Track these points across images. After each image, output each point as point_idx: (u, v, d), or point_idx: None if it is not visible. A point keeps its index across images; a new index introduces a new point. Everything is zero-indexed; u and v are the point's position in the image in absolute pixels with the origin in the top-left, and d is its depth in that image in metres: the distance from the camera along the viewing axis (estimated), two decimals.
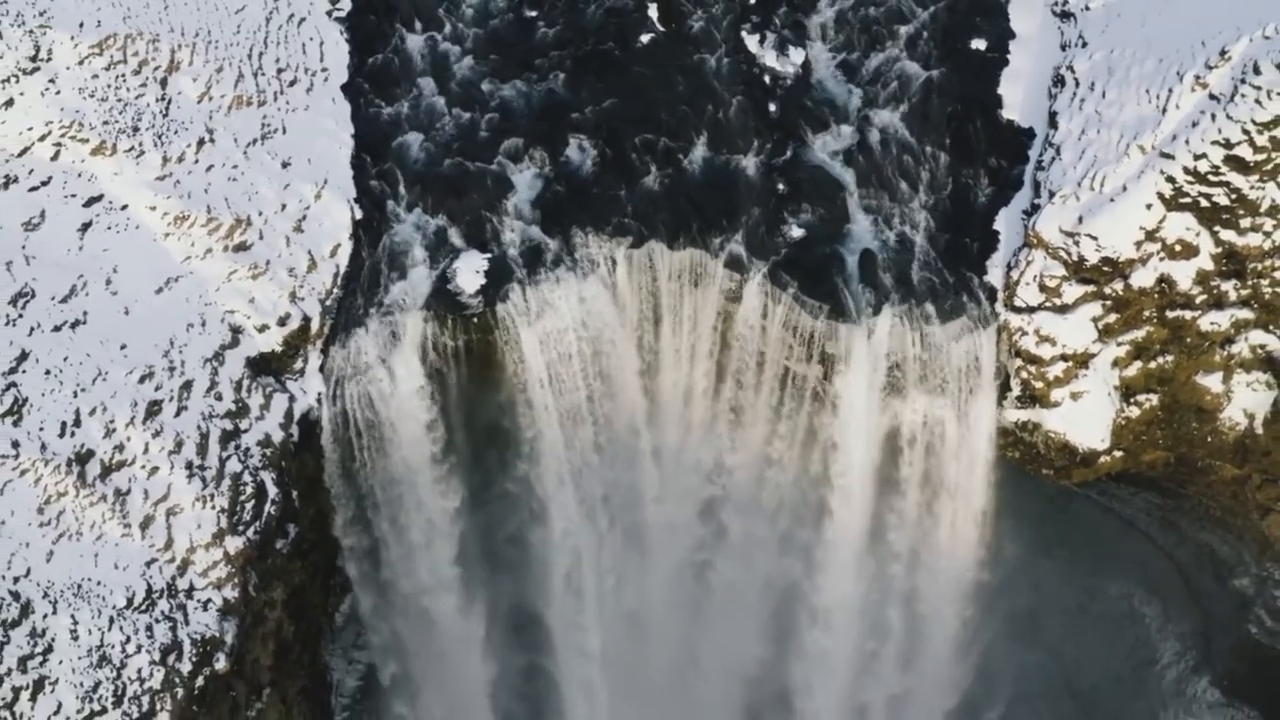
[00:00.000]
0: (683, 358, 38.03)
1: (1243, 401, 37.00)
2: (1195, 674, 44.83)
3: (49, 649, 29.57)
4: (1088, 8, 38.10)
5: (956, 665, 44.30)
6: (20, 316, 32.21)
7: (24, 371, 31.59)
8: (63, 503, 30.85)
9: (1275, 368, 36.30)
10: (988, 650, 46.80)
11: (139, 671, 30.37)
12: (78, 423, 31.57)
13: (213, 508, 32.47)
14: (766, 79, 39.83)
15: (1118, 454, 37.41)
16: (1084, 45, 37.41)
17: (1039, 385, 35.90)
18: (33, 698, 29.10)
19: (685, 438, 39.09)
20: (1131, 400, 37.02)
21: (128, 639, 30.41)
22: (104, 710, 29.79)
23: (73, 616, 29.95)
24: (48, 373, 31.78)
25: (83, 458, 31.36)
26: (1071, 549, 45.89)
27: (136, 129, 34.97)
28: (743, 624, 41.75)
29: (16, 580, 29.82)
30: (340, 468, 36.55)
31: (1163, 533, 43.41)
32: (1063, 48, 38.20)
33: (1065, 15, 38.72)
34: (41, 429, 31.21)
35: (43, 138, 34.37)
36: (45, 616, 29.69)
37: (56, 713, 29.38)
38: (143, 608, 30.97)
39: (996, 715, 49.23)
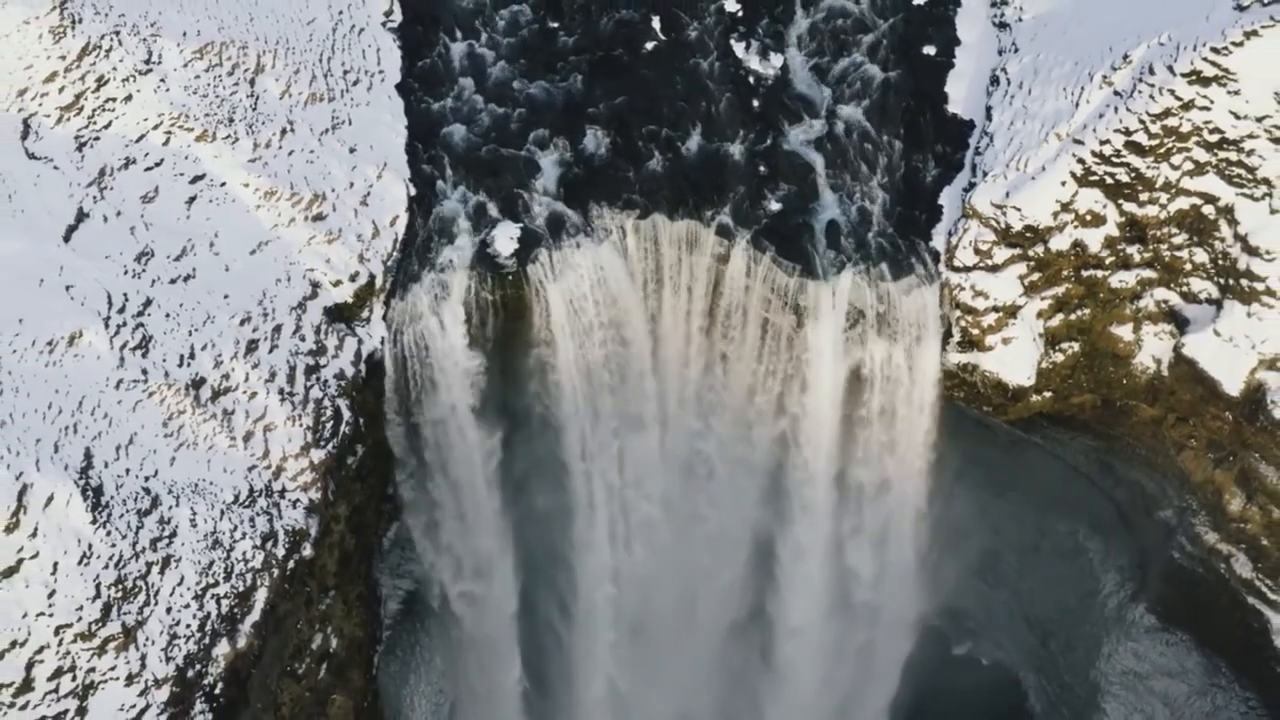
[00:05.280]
0: (681, 309, 40.44)
1: (1151, 349, 39.62)
2: (1133, 601, 45.96)
3: (174, 533, 32.44)
4: (1020, 19, 40.93)
5: (922, 583, 46.29)
6: (144, 271, 34.74)
7: (149, 315, 34.04)
8: (182, 419, 33.61)
9: (1177, 319, 39.09)
10: (954, 589, 49.04)
11: (244, 554, 33.60)
12: (192, 356, 34.25)
13: (300, 426, 35.51)
14: (751, 79, 42.26)
15: (1047, 394, 40.13)
16: (1016, 50, 40.19)
17: (975, 332, 38.74)
18: (161, 571, 32.09)
19: (683, 374, 41.41)
20: (1056, 347, 39.65)
21: (235, 528, 33.56)
22: (217, 583, 32.96)
23: (192, 509, 32.94)
24: (167, 316, 34.30)
25: (197, 384, 34.08)
26: (1024, 492, 47.82)
27: (231, 120, 37.32)
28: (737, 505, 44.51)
29: (147, 479, 32.56)
30: (397, 398, 39.08)
31: (1101, 474, 45.05)
32: (999, 53, 40.90)
33: (1002, 25, 41.54)
34: (164, 360, 33.71)
35: (156, 126, 36.45)
36: (170, 508, 32.56)
37: (180, 583, 32.35)
38: (246, 503, 34.03)
39: (965, 649, 52.90)
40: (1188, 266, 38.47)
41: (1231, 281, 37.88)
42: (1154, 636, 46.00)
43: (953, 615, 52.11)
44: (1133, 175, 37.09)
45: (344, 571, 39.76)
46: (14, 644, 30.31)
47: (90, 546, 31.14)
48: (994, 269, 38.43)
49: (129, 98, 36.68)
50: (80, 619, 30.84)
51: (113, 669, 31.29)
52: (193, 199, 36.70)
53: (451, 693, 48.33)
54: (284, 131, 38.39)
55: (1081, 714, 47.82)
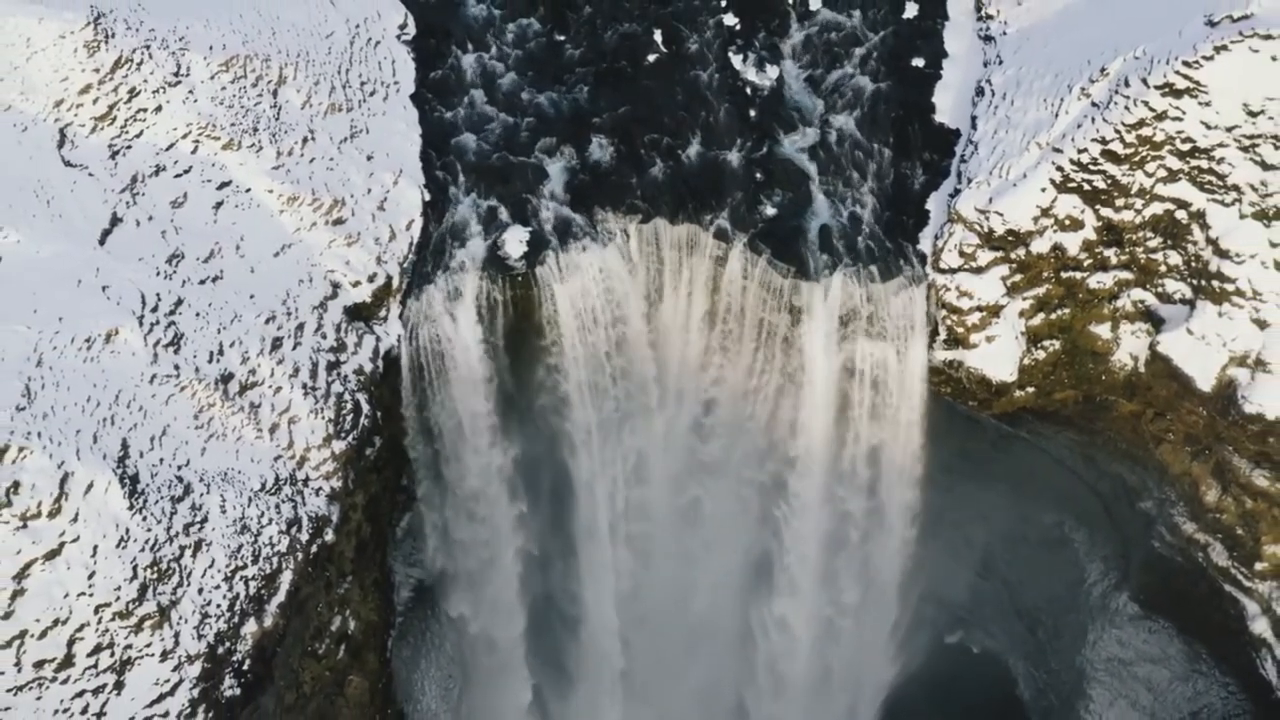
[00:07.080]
0: (681, 309, 41.34)
1: (1128, 346, 40.20)
2: (1117, 590, 46.68)
3: (205, 519, 33.50)
4: (1005, 33, 41.76)
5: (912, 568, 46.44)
6: (174, 272, 35.67)
7: (180, 313, 34.98)
8: (212, 412, 34.61)
9: (1152, 318, 39.76)
10: (946, 579, 50.07)
11: (270, 538, 34.73)
12: (221, 352, 35.23)
13: (322, 419, 36.59)
14: (748, 90, 43.17)
15: (1030, 390, 40.81)
16: (1000, 63, 41.08)
17: (960, 330, 39.53)
18: (194, 554, 33.20)
19: (682, 371, 42.33)
20: (1038, 345, 40.32)
21: (262, 514, 34.66)
22: (245, 565, 33.96)
23: (221, 496, 33.98)
24: (197, 314, 35.29)
25: (225, 379, 35.08)
26: (1011, 485, 48.42)
27: (256, 129, 38.27)
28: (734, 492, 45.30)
29: (180, 468, 33.58)
30: (414, 393, 39.92)
31: (1085, 467, 45.75)
32: (985, 64, 41.85)
33: (987, 38, 42.51)
34: (195, 356, 34.69)
35: (184, 135, 37.35)
36: (201, 495, 33.57)
37: (211, 566, 33.40)
38: (272, 491, 35.14)
39: (956, 638, 53.58)
40: (1162, 268, 39.22)
41: (1203, 282, 38.64)
42: (1137, 624, 46.49)
43: (944, 604, 52.91)
44: (1109, 182, 37.90)
45: (360, 558, 40.69)
46: (56, 622, 31.40)
47: (127, 531, 32.20)
48: (978, 270, 39.32)
49: (159, 108, 37.63)
50: (118, 598, 31.92)
51: (148, 646, 32.42)
52: (220, 204, 37.71)
53: (460, 678, 49.30)
54: (305, 140, 39.38)
55: (1068, 700, 48.07)
